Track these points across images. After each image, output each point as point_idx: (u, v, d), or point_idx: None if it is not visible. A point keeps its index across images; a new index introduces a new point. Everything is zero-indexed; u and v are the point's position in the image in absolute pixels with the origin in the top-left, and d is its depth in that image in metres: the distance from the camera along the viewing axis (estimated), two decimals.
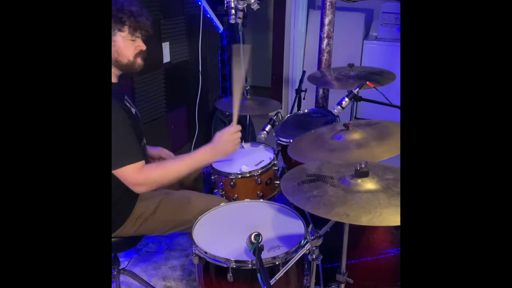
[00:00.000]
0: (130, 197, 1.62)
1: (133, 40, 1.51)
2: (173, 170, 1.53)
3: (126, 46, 1.50)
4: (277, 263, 1.29)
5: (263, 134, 2.07)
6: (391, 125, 1.56)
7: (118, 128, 1.41)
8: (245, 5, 2.40)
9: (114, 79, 1.55)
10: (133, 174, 1.44)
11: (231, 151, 1.58)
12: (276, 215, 1.55)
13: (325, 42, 2.81)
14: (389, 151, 1.39)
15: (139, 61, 1.55)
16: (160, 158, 1.87)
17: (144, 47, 1.55)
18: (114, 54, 1.49)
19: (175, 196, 1.70)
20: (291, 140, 1.97)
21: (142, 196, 1.65)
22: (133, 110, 1.63)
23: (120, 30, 1.47)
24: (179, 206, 1.65)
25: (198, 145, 2.56)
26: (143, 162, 1.47)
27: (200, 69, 2.80)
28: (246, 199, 1.69)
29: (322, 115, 2.24)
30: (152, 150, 1.85)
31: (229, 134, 1.58)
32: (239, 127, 1.61)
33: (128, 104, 1.60)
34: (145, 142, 1.68)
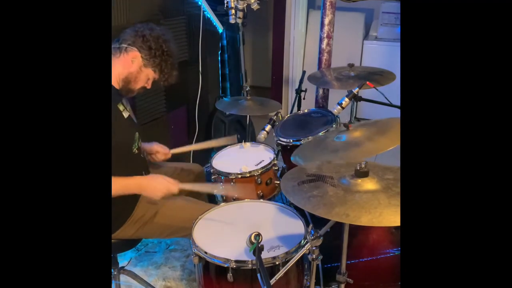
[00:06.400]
0: (130, 199, 1.62)
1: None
2: None
3: (142, 79, 1.61)
4: (277, 263, 1.29)
5: (263, 134, 2.06)
6: (389, 121, 1.54)
7: None
8: (245, 5, 2.40)
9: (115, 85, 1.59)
10: None
11: (157, 195, 1.55)
12: (276, 215, 1.55)
13: (325, 42, 2.81)
14: (387, 145, 1.37)
15: (140, 90, 1.65)
16: (156, 152, 1.88)
17: (149, 87, 1.66)
18: (130, 77, 1.57)
19: (176, 203, 1.68)
20: (291, 140, 1.97)
21: (143, 199, 1.65)
22: (126, 114, 1.64)
23: (154, 72, 1.60)
24: (179, 212, 1.65)
25: None
26: None
27: (200, 69, 2.79)
28: (246, 199, 1.70)
29: (322, 115, 2.24)
30: (146, 146, 1.86)
31: (162, 180, 1.56)
32: (175, 184, 1.57)
33: (122, 107, 1.62)
34: (138, 145, 1.68)
